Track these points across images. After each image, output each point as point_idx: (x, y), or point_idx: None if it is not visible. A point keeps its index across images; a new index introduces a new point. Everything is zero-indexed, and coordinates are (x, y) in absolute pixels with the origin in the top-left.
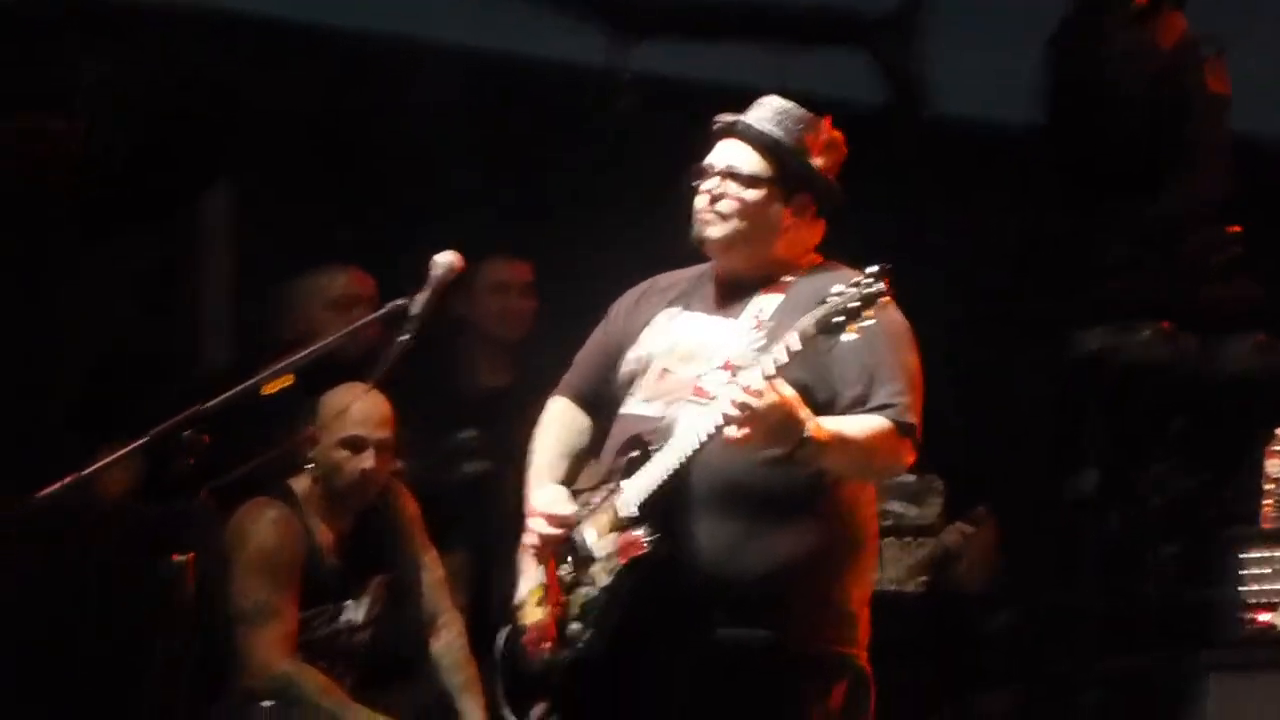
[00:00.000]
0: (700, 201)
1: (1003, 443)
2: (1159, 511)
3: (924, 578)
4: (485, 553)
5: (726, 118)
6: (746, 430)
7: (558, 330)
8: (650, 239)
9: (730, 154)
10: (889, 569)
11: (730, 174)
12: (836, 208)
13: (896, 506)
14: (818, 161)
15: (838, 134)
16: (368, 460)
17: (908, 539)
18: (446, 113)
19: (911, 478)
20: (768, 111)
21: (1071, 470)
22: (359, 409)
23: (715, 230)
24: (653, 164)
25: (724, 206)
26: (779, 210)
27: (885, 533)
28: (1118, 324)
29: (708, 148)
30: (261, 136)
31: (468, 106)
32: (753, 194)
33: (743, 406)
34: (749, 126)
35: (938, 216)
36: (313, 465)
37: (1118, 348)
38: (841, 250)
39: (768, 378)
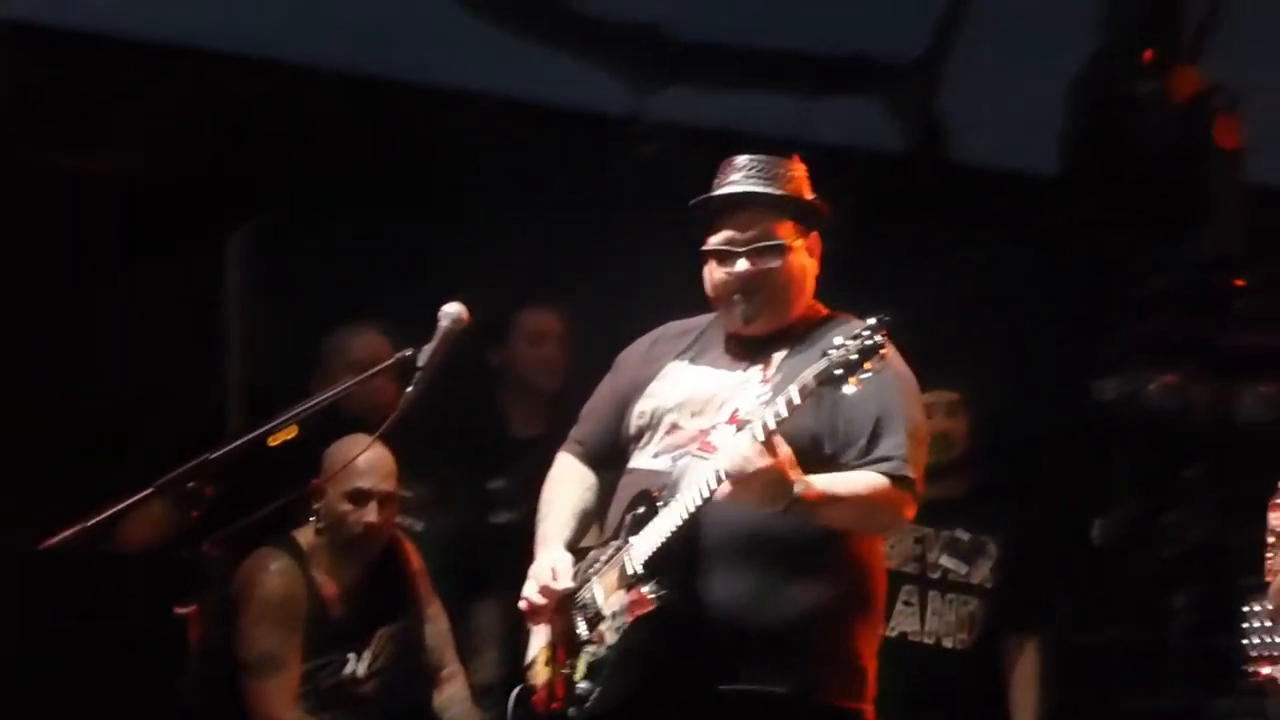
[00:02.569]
0: (729, 284)
1: (1026, 485)
2: (1178, 559)
3: (964, 635)
4: (515, 604)
5: (724, 193)
6: (735, 490)
7: (585, 380)
8: (674, 286)
9: (746, 226)
10: (930, 622)
11: (755, 249)
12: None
13: (948, 561)
14: (811, 197)
15: (801, 163)
16: (372, 513)
17: (951, 595)
18: (469, 160)
19: (966, 535)
20: (750, 172)
21: (1093, 515)
22: (364, 461)
23: (753, 308)
24: (676, 211)
25: (761, 281)
26: (807, 265)
27: (931, 585)
28: (1128, 373)
29: (704, 220)
30: (291, 180)
31: (490, 154)
32: (784, 260)
33: (734, 469)
34: (758, 194)
35: (957, 262)
36: (317, 517)
37: (1132, 396)
38: (861, 296)
39: (764, 438)
